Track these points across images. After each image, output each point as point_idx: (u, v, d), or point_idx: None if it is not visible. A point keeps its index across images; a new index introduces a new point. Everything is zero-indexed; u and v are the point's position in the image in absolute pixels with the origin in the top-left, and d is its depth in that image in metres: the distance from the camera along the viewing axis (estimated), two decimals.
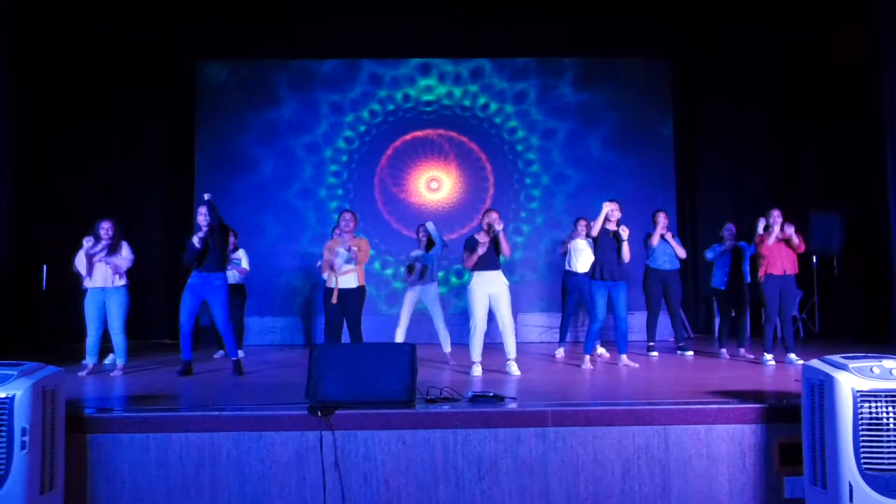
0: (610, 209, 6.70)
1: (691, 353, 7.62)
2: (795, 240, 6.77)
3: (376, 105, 10.55)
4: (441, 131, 10.50)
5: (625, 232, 6.62)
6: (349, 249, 6.34)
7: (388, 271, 10.13)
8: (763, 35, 9.48)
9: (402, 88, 10.54)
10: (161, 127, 9.97)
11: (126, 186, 9.79)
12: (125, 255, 6.42)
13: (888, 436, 3.50)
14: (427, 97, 10.56)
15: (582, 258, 7.61)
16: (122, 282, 6.40)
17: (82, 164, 9.39)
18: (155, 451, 4.11)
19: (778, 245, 6.78)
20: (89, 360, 6.35)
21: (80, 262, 6.33)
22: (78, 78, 9.21)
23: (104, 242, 6.37)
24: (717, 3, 9.50)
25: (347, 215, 6.55)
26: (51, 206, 8.80)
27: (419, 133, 10.52)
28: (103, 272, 6.33)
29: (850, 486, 3.48)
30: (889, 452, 3.49)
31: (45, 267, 8.36)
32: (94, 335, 6.32)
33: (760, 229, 6.86)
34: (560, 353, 7.66)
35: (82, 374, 6.25)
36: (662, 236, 7.61)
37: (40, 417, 3.62)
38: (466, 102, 10.54)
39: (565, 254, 7.86)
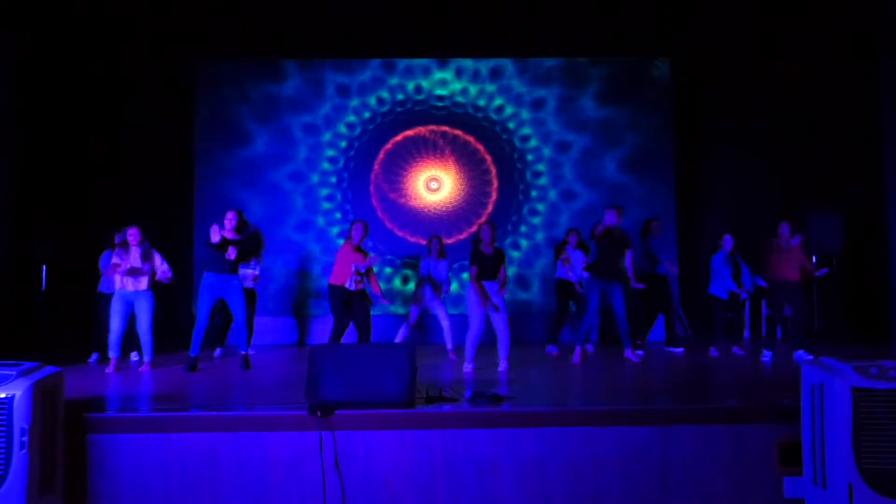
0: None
1: (681, 350, 7.83)
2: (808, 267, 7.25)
3: (385, 93, 9.99)
4: (449, 129, 9.97)
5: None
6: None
7: (387, 270, 9.87)
8: (763, 37, 9.45)
9: (416, 78, 9.99)
10: (161, 97, 9.58)
11: (125, 173, 9.34)
12: (160, 265, 6.75)
13: (887, 436, 3.50)
14: (440, 91, 10.01)
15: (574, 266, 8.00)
16: (149, 285, 6.71)
17: (81, 158, 9.20)
18: (155, 451, 4.12)
19: (786, 255, 7.15)
20: (113, 356, 6.62)
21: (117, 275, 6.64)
22: (76, 67, 9.03)
23: (133, 250, 6.65)
24: (718, 3, 9.45)
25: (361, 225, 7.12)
26: (50, 204, 8.75)
27: (426, 128, 9.97)
28: (133, 276, 6.64)
29: (850, 485, 3.48)
30: (888, 452, 3.49)
31: (44, 267, 8.34)
32: (118, 332, 6.60)
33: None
34: (553, 351, 7.98)
35: (108, 370, 6.50)
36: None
37: (40, 417, 3.63)
38: (481, 102, 10.02)
39: (566, 261, 8.30)
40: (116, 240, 7.15)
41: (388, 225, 9.88)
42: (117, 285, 6.62)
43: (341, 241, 9.55)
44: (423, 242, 9.02)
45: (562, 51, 9.92)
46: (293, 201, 9.92)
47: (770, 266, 7.26)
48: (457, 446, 4.20)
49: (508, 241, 9.80)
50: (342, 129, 10.01)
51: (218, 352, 7.85)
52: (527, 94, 10.03)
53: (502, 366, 6.40)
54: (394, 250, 9.84)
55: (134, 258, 6.63)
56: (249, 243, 6.90)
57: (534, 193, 10.00)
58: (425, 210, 9.93)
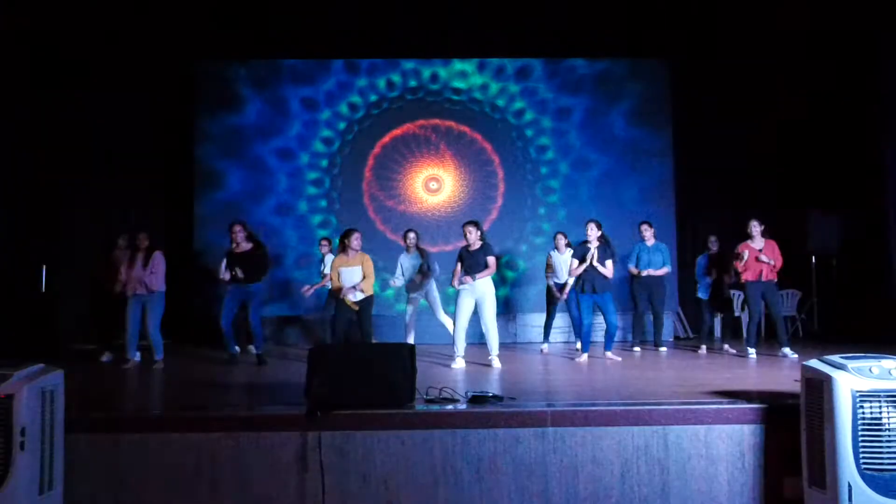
0: (590, 254, 7.17)
1: (664, 349, 8.20)
2: (765, 259, 7.22)
3: (397, 77, 9.27)
4: (459, 126, 9.26)
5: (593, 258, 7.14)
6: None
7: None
8: (762, 36, 9.43)
9: (434, 66, 9.27)
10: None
11: (123, 169, 9.03)
12: (157, 270, 7.01)
13: (887, 436, 3.51)
14: (457, 83, 9.29)
15: (563, 268, 7.98)
16: (160, 288, 7.04)
17: (81, 154, 9.06)
18: (155, 451, 4.12)
19: (757, 253, 7.30)
20: (129, 356, 7.04)
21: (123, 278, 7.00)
22: (74, 58, 8.88)
23: (139, 255, 6.99)
24: (716, 3, 9.41)
25: (356, 234, 7.06)
26: (49, 204, 8.73)
27: (433, 122, 9.24)
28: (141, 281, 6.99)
29: (849, 486, 3.49)
30: (888, 453, 3.52)
31: (44, 268, 8.35)
32: (133, 334, 6.99)
33: (740, 263, 7.36)
34: (545, 348, 8.28)
35: (127, 366, 6.85)
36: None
37: (39, 418, 3.66)
38: (500, 102, 9.32)
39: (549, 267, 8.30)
40: (123, 244, 7.34)
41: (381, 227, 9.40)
42: (129, 291, 6.92)
43: (322, 232, 9.23)
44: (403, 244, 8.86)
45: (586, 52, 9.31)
46: (277, 180, 9.27)
47: (744, 268, 7.34)
48: (456, 446, 4.21)
49: (505, 259, 9.20)
50: (343, 108, 9.32)
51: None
52: (552, 101, 9.32)
53: (490, 362, 6.71)
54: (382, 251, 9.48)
55: (139, 263, 6.90)
56: (257, 261, 7.22)
57: (542, 211, 9.34)
58: (426, 212, 9.38)
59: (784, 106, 9.54)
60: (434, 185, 9.36)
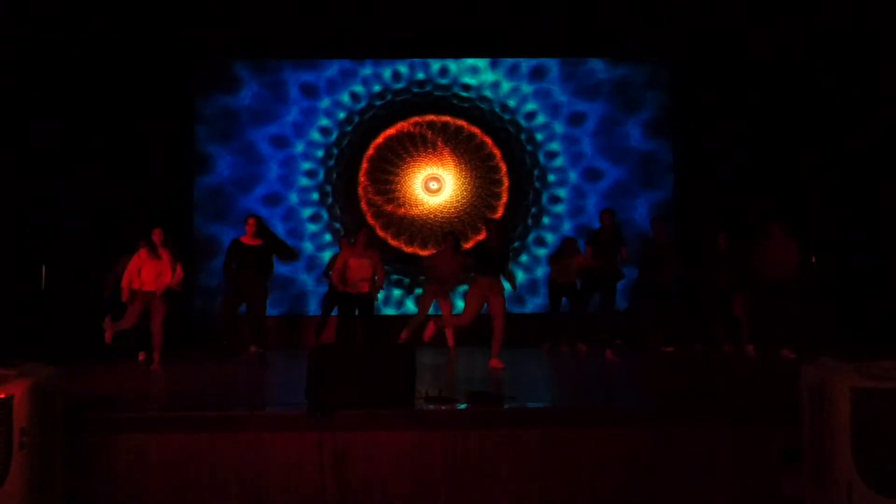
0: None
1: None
2: None
3: (404, 67, 8.87)
4: (455, 120, 8.89)
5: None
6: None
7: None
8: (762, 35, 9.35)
9: (443, 59, 8.89)
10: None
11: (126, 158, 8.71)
12: (177, 275, 7.02)
13: (887, 436, 3.49)
14: (467, 79, 8.91)
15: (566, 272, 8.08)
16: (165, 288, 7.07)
17: (81, 145, 8.91)
18: (155, 451, 4.13)
19: (774, 250, 7.32)
20: (141, 353, 7.19)
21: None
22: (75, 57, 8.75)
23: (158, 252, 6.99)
24: (716, 3, 9.32)
25: (368, 232, 7.22)
26: (49, 203, 8.64)
27: (438, 118, 8.85)
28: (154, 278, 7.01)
29: (849, 485, 3.48)
30: (888, 452, 3.48)
31: (43, 267, 8.33)
32: (139, 331, 7.00)
33: None
34: (547, 346, 8.29)
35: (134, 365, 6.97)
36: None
37: (40, 417, 3.65)
38: (511, 102, 8.92)
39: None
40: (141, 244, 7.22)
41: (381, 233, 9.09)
42: (136, 285, 6.84)
43: (312, 227, 9.07)
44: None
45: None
46: (268, 168, 8.89)
47: (760, 265, 7.32)
48: (456, 446, 4.21)
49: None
50: (345, 98, 8.96)
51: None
52: (566, 105, 8.95)
53: (493, 362, 6.54)
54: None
55: (157, 260, 6.87)
56: (272, 250, 7.23)
57: (546, 220, 8.98)
58: (425, 217, 9.04)
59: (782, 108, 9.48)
60: (434, 185, 9.01)
